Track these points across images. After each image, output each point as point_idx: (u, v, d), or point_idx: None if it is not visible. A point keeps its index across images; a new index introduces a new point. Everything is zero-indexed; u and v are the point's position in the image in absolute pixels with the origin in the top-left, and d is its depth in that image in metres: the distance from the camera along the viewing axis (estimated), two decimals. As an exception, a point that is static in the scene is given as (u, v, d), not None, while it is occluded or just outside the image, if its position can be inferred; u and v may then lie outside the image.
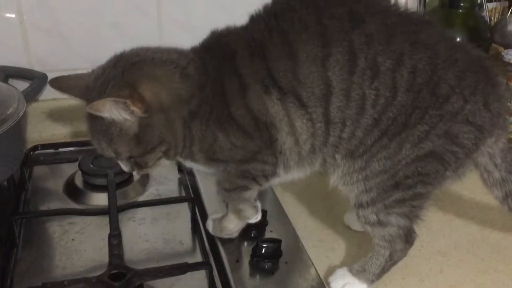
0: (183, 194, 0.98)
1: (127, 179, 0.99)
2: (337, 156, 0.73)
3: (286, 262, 0.80)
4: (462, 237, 0.90)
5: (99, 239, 0.84)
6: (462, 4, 1.19)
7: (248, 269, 0.79)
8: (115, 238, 0.79)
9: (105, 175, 0.95)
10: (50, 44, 1.11)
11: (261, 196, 0.84)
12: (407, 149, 0.69)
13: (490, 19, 1.32)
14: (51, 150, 1.10)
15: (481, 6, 1.26)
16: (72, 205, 0.94)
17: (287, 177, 0.78)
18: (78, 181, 0.99)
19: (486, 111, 0.69)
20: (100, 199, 0.94)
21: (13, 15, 1.06)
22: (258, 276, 0.78)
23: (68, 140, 1.15)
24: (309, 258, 0.82)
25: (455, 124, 0.68)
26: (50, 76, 1.07)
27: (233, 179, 0.76)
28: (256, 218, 0.83)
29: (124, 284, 0.70)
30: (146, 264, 0.77)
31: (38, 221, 0.89)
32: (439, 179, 0.72)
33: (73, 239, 0.85)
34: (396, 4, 0.71)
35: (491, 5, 1.33)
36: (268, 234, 0.86)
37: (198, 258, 0.82)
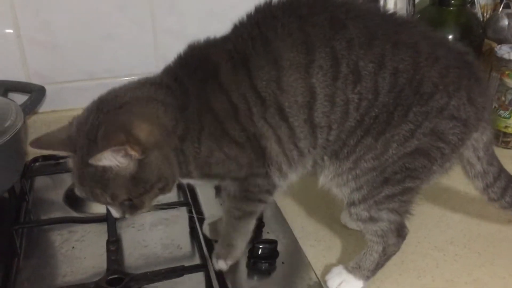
0: (181, 199, 0.99)
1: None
2: (325, 157, 0.74)
3: (283, 263, 0.81)
4: (458, 232, 0.91)
5: (99, 246, 0.85)
6: (453, 1, 1.20)
7: (245, 270, 0.80)
8: (113, 244, 0.80)
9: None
10: (47, 58, 1.12)
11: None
12: (394, 148, 0.70)
13: (483, 15, 1.32)
14: (52, 162, 1.11)
15: (472, 3, 1.27)
16: (73, 214, 0.95)
17: (287, 184, 0.78)
18: (78, 191, 1.01)
19: (471, 105, 0.70)
20: (99, 207, 0.93)
21: (10, 31, 1.08)
22: (255, 277, 0.79)
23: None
24: (306, 257, 0.83)
25: (441, 120, 0.69)
26: (48, 88, 1.10)
27: (239, 204, 0.76)
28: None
29: (121, 289, 0.72)
30: (145, 269, 0.78)
31: (38, 230, 0.91)
32: (426, 174, 0.73)
33: (73, 247, 0.87)
34: (377, 6, 0.72)
35: (483, 1, 1.34)
36: (265, 235, 0.87)
37: (196, 261, 0.83)
